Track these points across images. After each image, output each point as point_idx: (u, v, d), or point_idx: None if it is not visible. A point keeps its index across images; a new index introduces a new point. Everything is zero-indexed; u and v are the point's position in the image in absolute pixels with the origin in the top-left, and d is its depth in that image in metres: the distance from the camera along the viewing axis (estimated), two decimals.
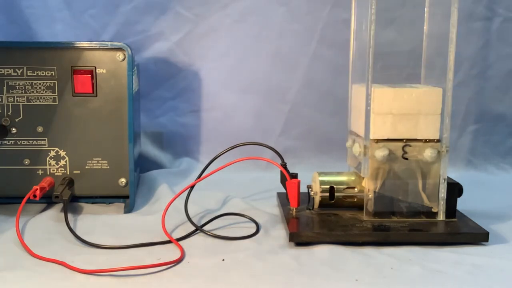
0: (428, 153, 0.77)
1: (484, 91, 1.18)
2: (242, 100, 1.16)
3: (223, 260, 0.69)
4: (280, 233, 0.79)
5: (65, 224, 0.77)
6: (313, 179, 0.85)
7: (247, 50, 1.14)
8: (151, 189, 0.99)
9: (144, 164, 1.12)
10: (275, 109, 1.17)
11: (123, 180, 0.90)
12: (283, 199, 0.87)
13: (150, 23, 1.13)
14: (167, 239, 0.75)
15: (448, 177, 0.79)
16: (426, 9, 0.85)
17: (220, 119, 1.17)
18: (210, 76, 1.15)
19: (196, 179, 0.86)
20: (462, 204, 0.81)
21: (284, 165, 0.85)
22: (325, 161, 1.18)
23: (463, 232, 0.75)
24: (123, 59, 0.87)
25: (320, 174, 0.84)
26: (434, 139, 0.78)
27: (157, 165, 1.14)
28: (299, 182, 0.82)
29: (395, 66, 1.04)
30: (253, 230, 0.80)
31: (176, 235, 0.77)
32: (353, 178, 0.83)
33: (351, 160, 0.87)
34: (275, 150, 0.87)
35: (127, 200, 0.89)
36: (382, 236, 0.74)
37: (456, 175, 0.86)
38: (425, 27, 0.86)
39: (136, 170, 0.92)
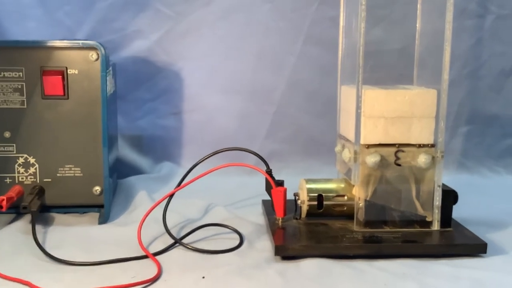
0: (422, 159, 0.73)
1: (476, 91, 1.14)
2: (226, 101, 1.11)
3: (203, 277, 0.64)
4: (265, 245, 0.74)
5: (33, 238, 0.71)
6: (300, 186, 0.80)
7: (230, 49, 1.10)
8: (129, 196, 0.93)
9: (122, 170, 1.06)
10: (260, 110, 1.12)
11: (97, 188, 0.84)
12: (268, 207, 0.82)
13: (128, 21, 1.07)
14: (143, 253, 0.70)
15: (442, 183, 0.75)
16: (418, 5, 0.80)
17: (203, 121, 1.12)
18: (192, 76, 1.10)
19: (176, 187, 0.81)
20: (456, 210, 0.77)
21: (269, 172, 0.80)
22: (312, 165, 1.13)
23: (460, 244, 0.71)
24: (97, 59, 0.81)
25: (308, 181, 0.79)
26: (428, 144, 0.74)
27: (137, 170, 1.09)
28: (285, 190, 0.77)
29: (386, 66, 0.99)
30: (237, 242, 0.74)
31: (153, 248, 0.72)
32: (342, 185, 0.78)
33: (340, 165, 0.82)
34: (260, 156, 0.82)
35: (102, 209, 0.83)
36: (374, 248, 0.69)
37: (448, 179, 0.82)
38: (417, 25, 0.81)
39: (112, 177, 0.87)
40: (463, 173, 1.13)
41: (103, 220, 0.83)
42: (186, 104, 1.11)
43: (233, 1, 1.08)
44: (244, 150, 0.84)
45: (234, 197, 0.96)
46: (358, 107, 0.72)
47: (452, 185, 0.77)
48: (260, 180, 0.87)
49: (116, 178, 1.00)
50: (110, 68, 0.88)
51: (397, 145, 0.73)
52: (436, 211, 0.74)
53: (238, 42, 1.09)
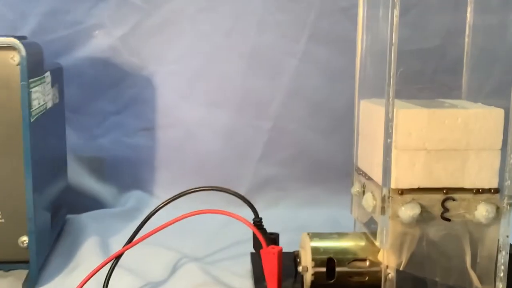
0: (482, 211, 0.50)
1: None
2: (210, 114, 0.90)
3: None
4: None
5: None
6: (302, 244, 0.57)
7: (216, 49, 0.89)
8: (75, 245, 0.71)
9: (77, 202, 0.85)
10: (253, 126, 0.91)
11: (24, 239, 0.61)
12: (259, 265, 0.59)
13: (85, 13, 0.87)
14: None
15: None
16: None
17: (181, 139, 0.91)
18: (168, 83, 0.90)
19: (127, 243, 0.58)
20: None
21: (258, 223, 0.57)
22: (318, 195, 0.93)
23: None
24: (19, 63, 0.58)
25: (313, 237, 0.55)
26: (490, 189, 0.51)
27: (97, 202, 0.88)
28: (280, 252, 0.54)
29: (421, 74, 0.77)
30: None
31: None
32: (362, 243, 0.55)
33: (358, 212, 0.59)
34: (245, 199, 0.60)
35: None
36: None
37: None
38: (468, 14, 0.58)
39: (55, 217, 0.65)
40: None
41: (30, 284, 0.60)
42: (160, 118, 0.91)
43: None
44: (222, 190, 0.61)
45: (215, 244, 0.73)
46: (388, 135, 0.49)
47: None
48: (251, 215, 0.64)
49: (63, 217, 0.77)
50: (48, 74, 0.66)
51: (444, 191, 0.50)
52: (501, 285, 0.51)
53: (225, 40, 0.89)
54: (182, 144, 0.90)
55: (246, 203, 0.59)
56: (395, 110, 0.49)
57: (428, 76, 0.83)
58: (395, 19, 0.47)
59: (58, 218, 0.74)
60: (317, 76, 0.89)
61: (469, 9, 0.58)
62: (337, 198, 0.85)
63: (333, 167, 0.90)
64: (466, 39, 0.58)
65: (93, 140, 0.89)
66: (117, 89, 0.88)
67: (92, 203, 0.86)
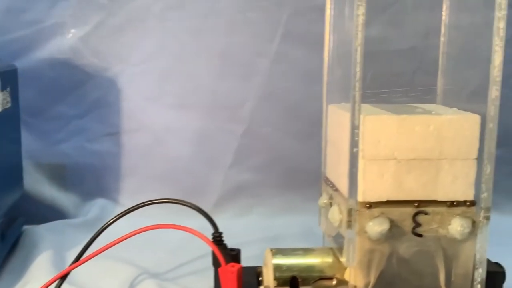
0: (456, 226, 0.46)
1: (509, 104, 0.86)
2: (179, 118, 0.86)
3: None
4: None
5: None
6: (265, 261, 0.52)
7: (184, 49, 0.84)
8: (28, 259, 0.66)
9: (36, 212, 0.81)
10: (224, 130, 0.87)
11: None
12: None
13: (44, 11, 0.82)
14: None
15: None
16: None
17: (148, 144, 0.86)
18: (133, 85, 0.85)
19: (74, 261, 0.53)
20: None
21: (217, 238, 0.52)
22: (293, 202, 0.88)
23: None
24: None
25: (276, 253, 0.51)
26: (465, 201, 0.46)
27: (57, 212, 0.83)
28: (240, 270, 0.49)
29: (393, 76, 0.73)
30: None
31: None
32: (329, 260, 0.51)
33: (326, 225, 0.55)
34: (204, 213, 0.55)
35: None
36: None
37: None
38: (443, 12, 0.54)
39: (7, 229, 0.60)
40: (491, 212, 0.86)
41: None
42: (126, 122, 0.86)
43: None
44: (177, 202, 0.56)
45: (177, 257, 0.68)
46: (354, 144, 0.45)
47: None
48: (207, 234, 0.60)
49: (18, 228, 0.72)
50: None
51: (416, 204, 0.46)
52: None
53: (194, 40, 0.84)
54: (149, 150, 0.86)
55: (204, 216, 0.54)
56: (361, 116, 0.45)
57: (406, 79, 0.79)
58: (361, 17, 0.43)
59: (12, 229, 0.69)
60: (292, 78, 0.85)
61: (444, 7, 0.54)
62: (313, 205, 0.79)
63: (309, 173, 0.84)
64: (442, 39, 0.54)
65: (54, 146, 0.84)
66: (79, 92, 0.84)
67: (52, 213, 0.82)
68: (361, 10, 0.43)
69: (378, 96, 0.54)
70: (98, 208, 0.83)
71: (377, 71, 0.65)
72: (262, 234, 0.80)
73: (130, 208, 0.55)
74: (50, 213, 0.81)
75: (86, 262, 0.53)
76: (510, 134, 0.87)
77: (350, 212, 0.46)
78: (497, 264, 0.53)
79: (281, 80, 0.85)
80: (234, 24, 0.83)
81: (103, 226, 0.55)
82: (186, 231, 0.52)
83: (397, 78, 0.75)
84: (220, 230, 0.60)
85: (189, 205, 0.54)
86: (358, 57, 0.44)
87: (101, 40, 0.82)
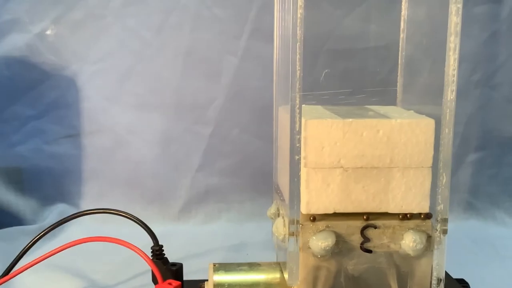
0: (409, 241, 0.41)
1: (490, 105, 0.83)
2: (142, 119, 0.82)
3: None
4: None
5: None
6: (208, 276, 0.48)
7: (147, 46, 0.80)
8: None
9: None
10: (191, 132, 0.82)
11: None
12: None
13: None
14: None
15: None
16: None
17: (110, 147, 0.82)
18: (93, 84, 0.81)
19: (3, 274, 0.49)
20: None
21: (157, 252, 0.48)
22: (263, 207, 0.82)
23: None
24: None
25: (218, 269, 0.47)
26: (420, 214, 0.42)
27: (14, 218, 0.79)
28: (178, 287, 0.45)
29: (352, 76, 0.68)
30: None
31: None
32: (276, 276, 0.47)
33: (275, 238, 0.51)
34: (143, 224, 0.51)
35: None
36: None
37: (452, 226, 0.51)
38: (402, 7, 0.50)
39: None
40: (471, 218, 0.83)
41: None
42: (86, 123, 0.82)
43: None
44: (114, 213, 0.52)
45: (122, 271, 0.64)
46: (295, 150, 0.40)
47: (458, 234, 0.62)
48: (169, 242, 0.56)
49: None
50: None
51: (365, 216, 0.42)
52: None
53: (157, 37, 0.80)
54: (111, 152, 0.82)
55: (143, 227, 0.50)
56: (303, 120, 0.40)
57: (380, 78, 0.75)
58: (299, 11, 0.39)
59: None
60: (261, 76, 0.80)
61: (403, 1, 0.49)
62: None
63: None
64: (401, 35, 0.50)
65: (10, 148, 0.80)
66: (36, 91, 0.80)
67: (9, 219, 0.78)
68: (300, 2, 0.39)
69: (334, 98, 0.50)
70: (57, 214, 0.79)
71: (340, 69, 0.62)
72: (228, 242, 0.76)
73: (49, 228, 0.50)
74: (6, 218, 0.78)
75: (27, 271, 0.50)
76: (491, 136, 0.84)
77: (292, 225, 0.42)
78: (460, 281, 0.48)
79: (250, 78, 0.81)
80: (199, 21, 0.79)
81: (30, 242, 0.51)
82: (121, 244, 0.47)
83: (364, 77, 0.71)
84: (186, 237, 0.56)
85: (126, 215, 0.50)
86: (298, 54, 0.39)
87: (58, 37, 0.78)
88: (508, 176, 0.84)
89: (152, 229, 0.56)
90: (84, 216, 0.58)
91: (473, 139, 0.83)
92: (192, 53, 0.80)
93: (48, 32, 0.79)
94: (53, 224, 0.51)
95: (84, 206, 0.82)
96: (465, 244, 0.74)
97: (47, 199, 0.81)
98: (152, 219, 0.75)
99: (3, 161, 0.80)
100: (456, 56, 0.39)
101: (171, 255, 0.55)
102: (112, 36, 0.79)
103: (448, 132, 0.41)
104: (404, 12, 0.49)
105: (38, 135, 0.81)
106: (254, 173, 0.83)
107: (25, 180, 0.81)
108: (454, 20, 0.39)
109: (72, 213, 0.55)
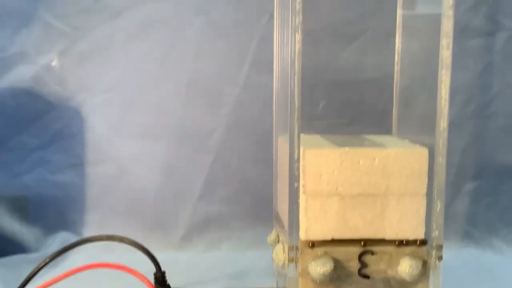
0: (405, 267, 0.43)
1: (485, 134, 0.85)
2: (145, 148, 0.83)
3: None
4: None
5: None
6: None
7: (150, 78, 0.82)
8: None
9: None
10: (193, 160, 0.84)
11: None
12: None
13: (6, 39, 0.80)
14: None
15: None
16: (398, 10, 0.51)
17: (113, 176, 0.83)
18: (97, 114, 0.83)
19: None
20: None
21: (160, 278, 0.49)
22: (264, 234, 0.83)
23: None
24: None
25: None
26: (415, 240, 0.43)
27: (18, 246, 0.80)
28: None
29: (349, 107, 0.70)
30: None
31: None
32: None
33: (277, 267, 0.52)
34: (146, 250, 0.52)
35: None
36: None
37: (449, 255, 0.52)
38: (396, 40, 0.52)
39: None
40: (469, 247, 0.84)
41: None
42: (90, 153, 0.83)
43: (152, 12, 0.81)
44: (116, 240, 0.53)
45: None
46: (294, 178, 0.42)
47: (456, 263, 0.63)
48: (171, 269, 0.57)
49: None
50: None
51: (362, 243, 0.43)
52: None
53: (160, 69, 0.82)
54: (114, 182, 0.83)
55: (145, 254, 0.51)
56: (301, 149, 0.42)
57: (377, 108, 0.77)
58: (298, 45, 0.41)
59: None
60: (261, 106, 0.82)
61: (397, 34, 0.51)
62: None
63: None
64: (396, 68, 0.52)
65: (15, 178, 0.81)
66: (41, 121, 0.81)
67: (13, 247, 0.79)
68: (298, 37, 0.41)
69: (332, 127, 0.52)
70: (60, 242, 0.80)
71: (337, 100, 0.64)
72: (230, 270, 0.77)
73: (69, 245, 0.52)
74: (9, 246, 0.79)
75: None
76: (487, 165, 0.85)
77: (291, 251, 0.43)
78: None
79: (250, 108, 0.83)
80: (201, 52, 0.81)
81: (34, 269, 0.52)
82: (125, 271, 0.49)
83: (361, 108, 0.73)
84: (188, 265, 0.57)
85: (128, 242, 0.51)
86: (296, 86, 0.41)
87: (64, 69, 0.80)
88: (505, 205, 0.85)
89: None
90: (86, 244, 0.59)
91: (470, 169, 0.85)
92: (194, 84, 0.82)
93: (54, 63, 0.81)
94: (58, 250, 0.52)
95: (86, 234, 0.83)
96: (463, 272, 0.74)
97: (50, 228, 0.82)
98: (154, 247, 0.75)
99: (8, 190, 0.81)
100: (448, 88, 0.41)
101: (173, 283, 0.56)
102: (116, 67, 0.81)
103: (441, 161, 0.42)
104: (398, 45, 0.51)
105: (42, 165, 0.82)
106: (254, 201, 0.84)
107: (30, 208, 0.82)
108: (445, 54, 0.40)
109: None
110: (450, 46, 0.41)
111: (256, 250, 0.83)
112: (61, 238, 0.82)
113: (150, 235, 0.84)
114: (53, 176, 0.82)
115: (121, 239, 0.52)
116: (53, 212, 0.83)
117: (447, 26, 0.41)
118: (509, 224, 0.86)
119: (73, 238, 0.83)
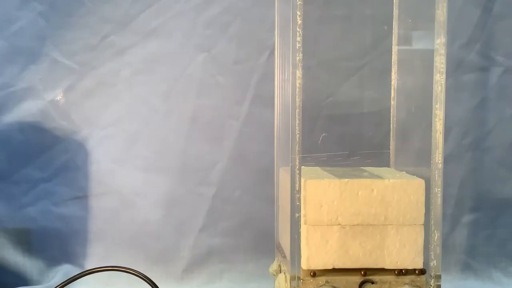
0: None
1: (482, 167, 0.86)
2: (148, 181, 0.85)
3: None
4: None
5: None
6: None
7: (154, 112, 0.84)
8: None
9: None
10: (194, 193, 0.85)
11: None
12: None
13: (15, 75, 0.83)
14: None
15: None
16: (394, 47, 0.53)
17: (116, 208, 0.85)
18: (102, 148, 0.84)
19: None
20: None
21: None
22: (265, 267, 0.84)
23: None
24: None
25: None
26: (414, 269, 0.45)
27: (20, 279, 0.81)
28: None
29: (348, 140, 0.72)
30: None
31: None
32: None
33: None
34: (152, 282, 0.53)
35: None
36: None
37: (449, 286, 0.53)
38: (392, 77, 0.54)
39: None
40: (469, 279, 0.84)
41: None
42: (93, 185, 0.85)
43: (156, 49, 0.84)
44: (124, 271, 0.54)
45: None
46: (295, 209, 0.43)
47: None
48: None
49: None
50: None
51: (363, 272, 0.44)
52: None
53: (163, 103, 0.84)
54: (117, 214, 0.84)
55: (148, 283, 0.52)
56: (302, 180, 0.44)
57: (374, 141, 0.79)
58: (298, 81, 0.43)
59: None
60: (262, 140, 0.84)
61: (393, 71, 0.54)
62: None
63: None
64: (392, 102, 0.54)
65: (20, 210, 0.83)
66: (47, 155, 0.83)
67: (16, 280, 0.80)
68: (299, 73, 0.43)
69: (332, 160, 0.54)
70: (62, 274, 0.81)
71: (336, 133, 0.65)
72: None
73: (73, 277, 0.53)
74: (12, 279, 0.79)
75: None
76: (485, 198, 0.86)
77: (293, 280, 0.44)
78: None
79: (251, 142, 0.84)
80: (203, 88, 0.84)
81: None
82: None
83: (359, 141, 0.74)
84: None
85: (132, 272, 0.52)
86: (297, 120, 0.43)
87: (70, 104, 0.83)
88: (503, 237, 0.86)
89: None
90: (88, 276, 0.60)
91: (468, 201, 0.86)
92: (197, 118, 0.84)
93: (59, 98, 0.83)
94: (62, 282, 0.53)
95: (88, 267, 0.83)
96: None
97: (53, 260, 0.83)
98: (156, 279, 0.76)
99: (12, 222, 0.82)
100: (442, 121, 0.43)
101: None
102: (121, 102, 0.83)
103: (437, 192, 0.44)
104: (394, 81, 0.53)
105: (47, 197, 0.83)
106: (255, 233, 0.85)
107: (33, 241, 0.83)
108: (439, 89, 0.42)
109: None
110: (443, 82, 0.43)
111: (257, 283, 0.84)
112: (64, 271, 0.82)
113: (152, 267, 0.85)
114: (57, 208, 0.84)
115: (125, 269, 0.53)
116: (56, 244, 0.84)
117: (440, 62, 0.43)
118: (507, 256, 0.86)
119: (75, 271, 0.83)
